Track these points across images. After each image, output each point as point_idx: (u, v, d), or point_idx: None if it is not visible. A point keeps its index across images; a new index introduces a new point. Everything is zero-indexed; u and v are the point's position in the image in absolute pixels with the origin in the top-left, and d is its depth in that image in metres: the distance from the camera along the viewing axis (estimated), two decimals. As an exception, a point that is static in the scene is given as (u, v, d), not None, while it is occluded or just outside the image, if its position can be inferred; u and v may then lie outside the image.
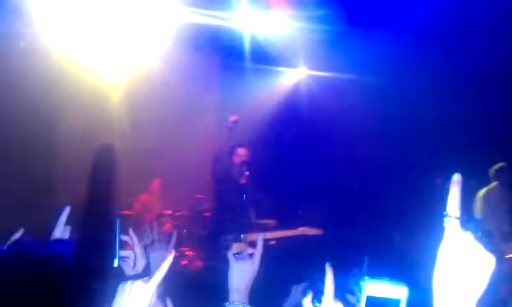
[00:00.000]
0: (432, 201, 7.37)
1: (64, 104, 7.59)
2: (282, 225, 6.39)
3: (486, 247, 1.44)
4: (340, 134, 8.51)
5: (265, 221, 6.93)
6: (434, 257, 1.49)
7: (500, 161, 6.78)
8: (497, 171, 6.72)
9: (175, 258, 6.35)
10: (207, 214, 7.98)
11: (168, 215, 8.64)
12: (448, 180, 1.47)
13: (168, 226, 8.57)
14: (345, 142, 8.50)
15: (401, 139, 8.14)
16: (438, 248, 1.48)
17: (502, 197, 6.62)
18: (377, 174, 8.35)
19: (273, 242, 6.20)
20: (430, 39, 7.47)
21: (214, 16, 7.21)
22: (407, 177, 8.04)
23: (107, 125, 8.20)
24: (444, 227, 1.48)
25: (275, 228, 6.38)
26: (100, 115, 8.08)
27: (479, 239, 1.43)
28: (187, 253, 7.98)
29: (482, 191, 6.75)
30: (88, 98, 7.77)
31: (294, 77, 8.62)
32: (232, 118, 5.88)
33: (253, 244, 5.79)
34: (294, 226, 6.13)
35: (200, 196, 8.52)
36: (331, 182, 8.47)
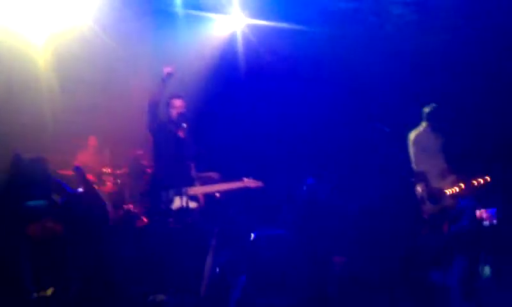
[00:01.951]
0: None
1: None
2: (223, 178, 6.40)
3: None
4: (277, 84, 8.53)
5: (206, 174, 6.93)
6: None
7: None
8: (429, 112, 6.93)
9: (120, 215, 6.33)
10: (148, 170, 7.91)
11: (108, 173, 8.51)
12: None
13: (109, 185, 8.46)
14: (282, 90, 8.54)
15: (341, 89, 8.23)
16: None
17: (434, 137, 6.86)
18: (313, 125, 8.45)
19: (217, 195, 6.23)
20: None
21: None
22: (345, 126, 8.19)
23: (37, 85, 7.93)
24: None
25: (216, 181, 6.38)
26: (29, 76, 7.79)
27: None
28: (131, 210, 7.92)
29: (413, 134, 6.93)
30: (14, 58, 7.46)
31: (231, 26, 8.45)
32: (166, 70, 5.75)
33: (194, 198, 5.87)
34: (235, 179, 6.14)
35: (139, 152, 8.41)
36: (268, 133, 8.54)
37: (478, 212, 6.14)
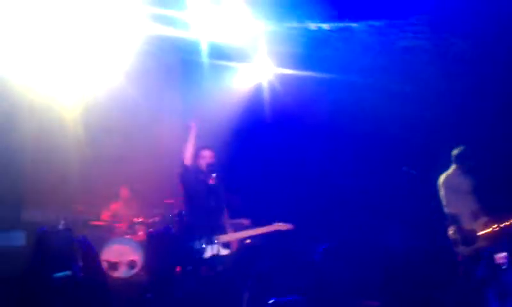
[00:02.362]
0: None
1: (19, 114, 7.50)
2: (254, 223, 6.45)
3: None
4: (304, 131, 8.61)
5: (237, 221, 6.99)
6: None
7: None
8: (457, 154, 6.91)
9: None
10: (179, 219, 7.98)
11: (140, 222, 8.63)
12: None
13: (141, 234, 8.58)
14: (309, 138, 8.61)
15: (368, 137, 8.27)
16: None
17: (464, 178, 6.82)
18: (341, 172, 8.46)
19: (248, 241, 6.28)
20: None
21: (171, 21, 7.20)
22: (381, 173, 8.18)
23: (66, 136, 8.13)
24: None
25: (248, 227, 6.44)
26: (58, 127, 8.01)
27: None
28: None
29: (443, 177, 6.91)
30: (45, 110, 7.69)
31: (257, 75, 8.62)
32: (190, 124, 5.99)
33: (226, 245, 5.91)
34: (266, 224, 6.21)
35: (170, 201, 8.52)
36: (298, 179, 8.59)
37: (497, 257, 6.05)
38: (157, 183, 8.45)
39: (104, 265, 7.91)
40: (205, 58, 7.96)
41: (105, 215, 8.75)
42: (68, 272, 5.94)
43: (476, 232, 6.43)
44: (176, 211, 8.20)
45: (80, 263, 6.35)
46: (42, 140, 7.77)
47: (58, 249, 6.16)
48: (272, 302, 6.20)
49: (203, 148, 6.15)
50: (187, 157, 5.97)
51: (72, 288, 5.83)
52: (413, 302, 6.47)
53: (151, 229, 8.36)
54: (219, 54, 8.00)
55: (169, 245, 7.45)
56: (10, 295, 5.79)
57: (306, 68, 8.13)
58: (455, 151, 6.93)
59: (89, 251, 6.70)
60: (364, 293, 6.65)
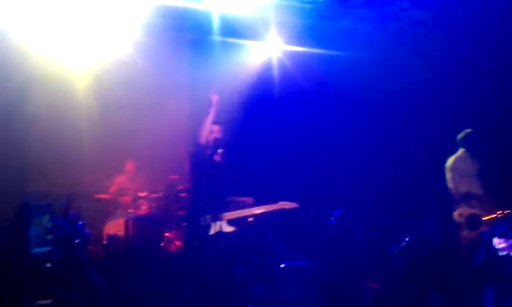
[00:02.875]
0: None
1: (30, 89, 7.49)
2: (259, 201, 6.45)
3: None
4: (311, 110, 8.56)
5: (241, 198, 7.00)
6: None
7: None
8: (464, 138, 6.87)
9: (155, 239, 6.33)
10: (184, 194, 8.00)
11: (144, 197, 8.65)
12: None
13: (144, 208, 8.60)
14: (316, 118, 8.57)
15: (378, 115, 8.22)
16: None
17: (471, 162, 6.79)
18: (348, 150, 8.43)
19: (251, 219, 6.28)
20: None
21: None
22: (388, 153, 8.15)
23: (77, 110, 8.13)
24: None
25: (252, 205, 6.44)
26: (69, 101, 8.01)
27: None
28: (166, 235, 8.01)
29: (451, 160, 6.88)
30: (54, 82, 7.68)
31: (266, 52, 8.56)
32: (214, 97, 5.92)
33: (231, 222, 5.92)
34: (271, 202, 6.22)
35: (175, 176, 8.52)
36: (306, 157, 8.56)
37: (496, 241, 6.03)
38: (164, 158, 8.44)
39: (106, 238, 7.91)
40: (215, 34, 7.91)
41: (112, 188, 8.78)
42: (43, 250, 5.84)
43: (481, 217, 6.43)
44: (181, 187, 8.25)
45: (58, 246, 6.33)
46: (53, 112, 7.76)
47: (32, 225, 6.12)
48: (284, 266, 6.21)
49: (212, 122, 6.11)
50: (204, 135, 5.93)
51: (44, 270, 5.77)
52: (412, 285, 6.46)
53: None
54: (229, 30, 7.95)
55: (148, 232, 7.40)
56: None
57: (314, 45, 8.06)
58: (461, 135, 6.89)
59: (75, 234, 6.66)
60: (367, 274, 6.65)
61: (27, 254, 5.80)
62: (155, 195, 8.72)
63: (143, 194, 8.66)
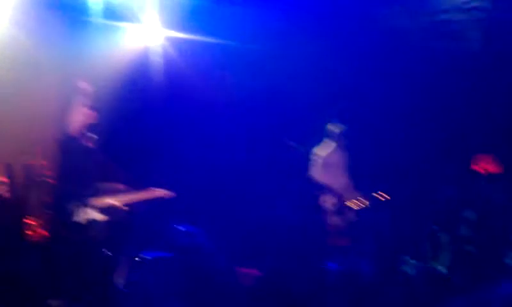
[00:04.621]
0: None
1: None
2: (131, 188, 6.31)
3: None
4: (194, 99, 8.47)
5: (112, 185, 6.79)
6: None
7: None
8: (332, 129, 7.25)
9: (18, 227, 5.90)
10: (51, 180, 7.59)
11: (3, 183, 8.07)
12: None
13: (5, 195, 8.02)
14: (198, 106, 8.50)
15: (257, 106, 8.32)
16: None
17: (339, 154, 7.19)
18: (234, 143, 8.48)
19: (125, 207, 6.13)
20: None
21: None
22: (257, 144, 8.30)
23: None
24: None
25: (124, 192, 6.29)
26: None
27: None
28: (30, 222, 7.56)
29: (318, 150, 7.23)
30: None
31: (149, 38, 8.25)
32: (82, 85, 5.72)
33: (101, 210, 5.75)
34: (142, 189, 6.15)
35: (40, 161, 8.04)
36: (178, 144, 8.46)
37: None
38: (26, 142, 7.90)
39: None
40: (94, 17, 7.53)
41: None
42: None
43: (346, 204, 6.84)
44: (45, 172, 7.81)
45: None
46: None
47: None
48: (139, 258, 6.12)
49: (85, 107, 5.82)
50: (74, 120, 5.70)
51: None
52: (282, 271, 6.69)
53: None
54: (106, 12, 7.59)
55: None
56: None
57: (201, 32, 7.98)
58: (331, 126, 7.25)
59: None
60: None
61: None
62: (18, 180, 8.16)
63: (2, 180, 8.08)
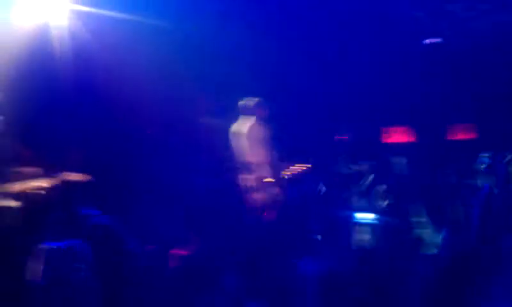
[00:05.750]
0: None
1: None
2: (41, 172, 5.97)
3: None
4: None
5: (21, 169, 6.41)
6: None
7: None
8: (253, 105, 7.27)
9: None
10: None
11: None
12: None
13: None
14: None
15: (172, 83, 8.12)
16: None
17: (260, 128, 7.23)
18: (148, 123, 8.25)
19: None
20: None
21: None
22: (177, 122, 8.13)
23: None
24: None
25: (33, 176, 5.95)
26: None
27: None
28: None
29: (237, 126, 7.24)
30: None
31: (51, 12, 7.67)
32: None
33: (13, 195, 5.38)
34: (54, 173, 5.89)
35: None
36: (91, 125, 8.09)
37: None
38: None
39: None
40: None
41: None
42: None
43: (270, 179, 6.90)
44: None
45: None
46: None
47: None
48: (43, 247, 5.82)
49: None
50: None
51: None
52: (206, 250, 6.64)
53: None
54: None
55: None
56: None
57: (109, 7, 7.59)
58: (250, 102, 7.26)
59: None
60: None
61: None
62: None
63: None
